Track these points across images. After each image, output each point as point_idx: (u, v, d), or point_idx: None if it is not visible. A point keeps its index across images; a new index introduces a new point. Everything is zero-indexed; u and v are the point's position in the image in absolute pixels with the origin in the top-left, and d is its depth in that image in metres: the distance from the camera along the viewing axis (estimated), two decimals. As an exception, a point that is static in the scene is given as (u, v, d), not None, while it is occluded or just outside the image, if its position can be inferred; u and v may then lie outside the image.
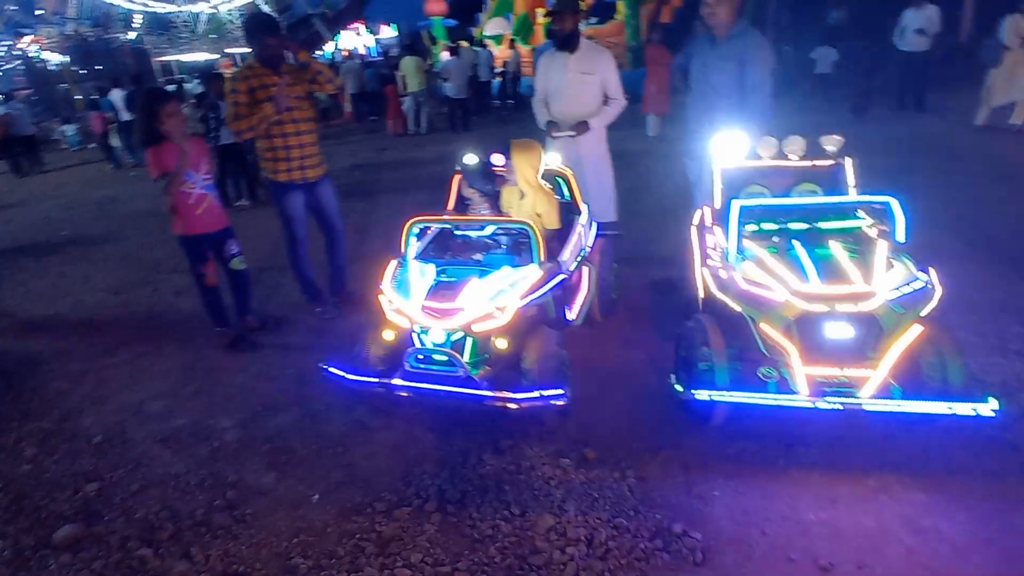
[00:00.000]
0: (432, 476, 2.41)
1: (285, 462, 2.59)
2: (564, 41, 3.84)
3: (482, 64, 13.18)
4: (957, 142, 7.41)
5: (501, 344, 2.52)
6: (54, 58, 22.57)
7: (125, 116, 13.31)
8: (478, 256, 2.92)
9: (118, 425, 2.98)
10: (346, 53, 23.36)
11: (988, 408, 2.06)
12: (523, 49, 14.75)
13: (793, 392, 2.17)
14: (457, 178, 3.28)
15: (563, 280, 2.75)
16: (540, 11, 17.33)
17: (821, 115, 9.86)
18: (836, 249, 2.34)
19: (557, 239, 3.06)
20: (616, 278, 3.61)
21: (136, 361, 3.64)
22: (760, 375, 2.25)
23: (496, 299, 2.50)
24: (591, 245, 3.33)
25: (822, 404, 2.12)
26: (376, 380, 2.49)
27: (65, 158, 14.18)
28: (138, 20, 27.03)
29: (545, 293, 2.63)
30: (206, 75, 8.43)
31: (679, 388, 2.34)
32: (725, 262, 2.41)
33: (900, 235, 2.35)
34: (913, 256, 2.34)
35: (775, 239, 2.48)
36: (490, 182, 3.15)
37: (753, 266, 2.30)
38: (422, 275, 2.70)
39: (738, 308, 2.28)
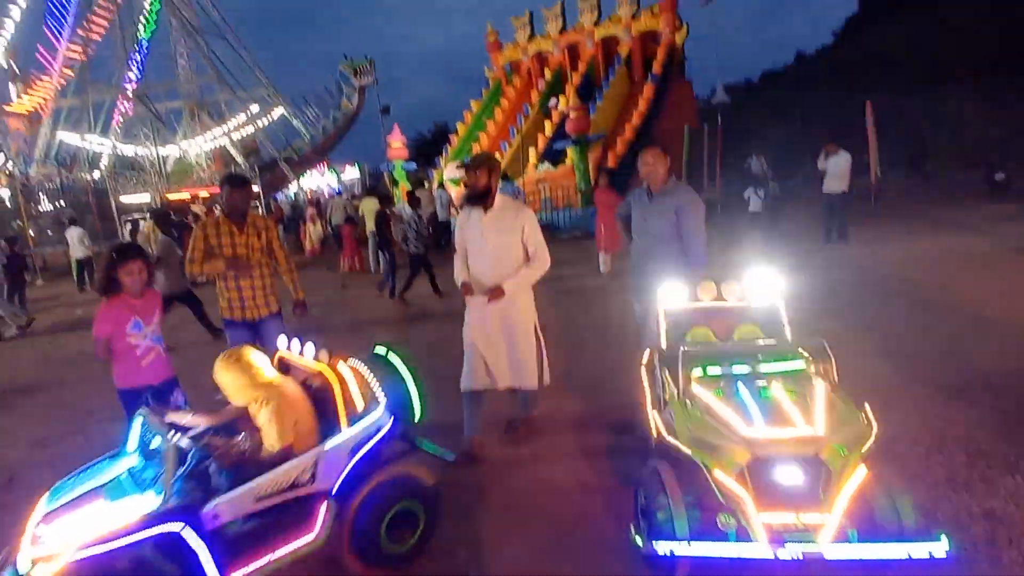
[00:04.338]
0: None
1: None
2: (477, 198, 3.57)
3: (441, 205, 13.90)
4: (881, 272, 8.01)
5: None
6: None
7: (79, 254, 13.32)
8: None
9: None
10: (324, 195, 24.49)
11: (941, 548, 2.07)
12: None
13: (753, 541, 2.14)
14: None
15: (171, 534, 2.12)
16: (496, 155, 18.69)
17: (753, 251, 10.58)
18: (778, 391, 2.42)
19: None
20: (415, 525, 2.67)
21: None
22: (720, 524, 2.21)
23: (68, 537, 2.07)
24: (344, 479, 2.53)
25: (782, 553, 2.08)
26: None
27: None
28: (104, 161, 27.83)
29: (127, 541, 2.05)
30: (411, 195, 9.97)
31: (639, 541, 2.27)
32: (675, 406, 2.46)
33: (836, 375, 2.47)
34: (850, 392, 2.44)
35: (721, 382, 2.57)
36: None
37: (701, 411, 2.36)
38: (82, 486, 2.35)
39: (690, 453, 2.30)
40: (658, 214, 3.60)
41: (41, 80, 26.47)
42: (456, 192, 14.47)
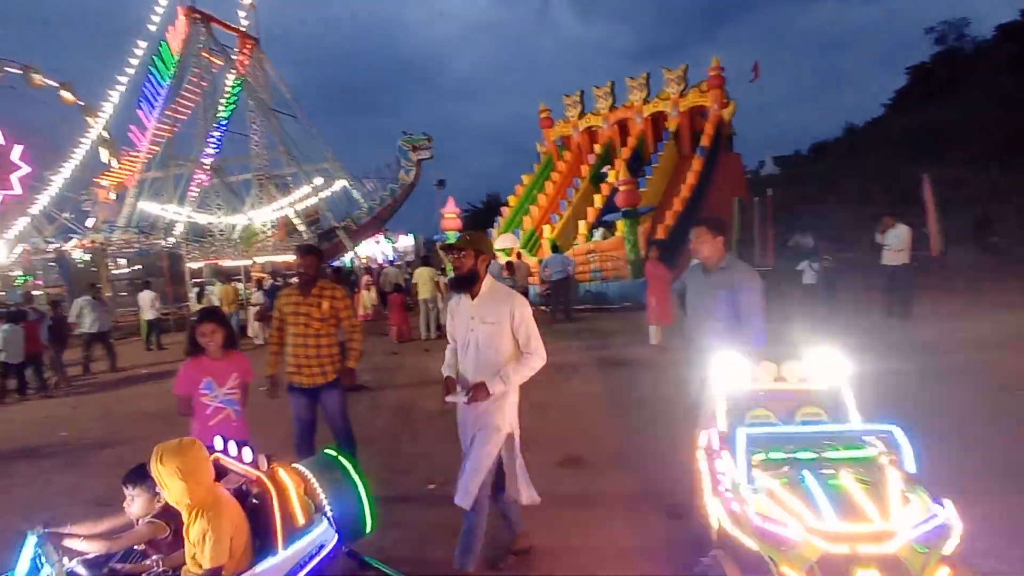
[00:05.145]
0: None
1: None
2: (461, 283, 3.20)
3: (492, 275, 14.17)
4: (949, 349, 7.60)
5: None
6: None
7: (149, 315, 14.10)
8: None
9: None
10: (378, 262, 25.46)
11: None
12: (530, 260, 15.93)
13: (827, 648, 1.98)
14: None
15: None
16: (546, 227, 19.08)
17: (811, 325, 10.24)
18: (848, 480, 2.30)
19: None
20: None
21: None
22: (788, 626, 2.06)
23: None
24: None
25: (861, 664, 1.92)
26: None
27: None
28: (179, 228, 29.79)
29: None
30: (508, 263, 10.72)
31: (702, 641, 2.14)
32: (736, 494, 2.36)
33: (910, 465, 2.33)
34: (925, 483, 2.29)
35: (784, 468, 2.46)
36: (146, 488, 2.46)
37: (766, 499, 2.25)
38: None
39: (755, 546, 2.18)
40: (714, 291, 3.57)
41: (130, 155, 28.99)
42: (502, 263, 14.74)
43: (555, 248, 14.64)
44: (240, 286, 15.59)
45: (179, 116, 29.60)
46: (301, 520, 2.30)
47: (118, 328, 17.85)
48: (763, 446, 2.54)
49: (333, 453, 2.66)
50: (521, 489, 3.17)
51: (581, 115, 23.33)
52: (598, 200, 18.68)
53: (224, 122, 32.19)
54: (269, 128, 32.41)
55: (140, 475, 2.44)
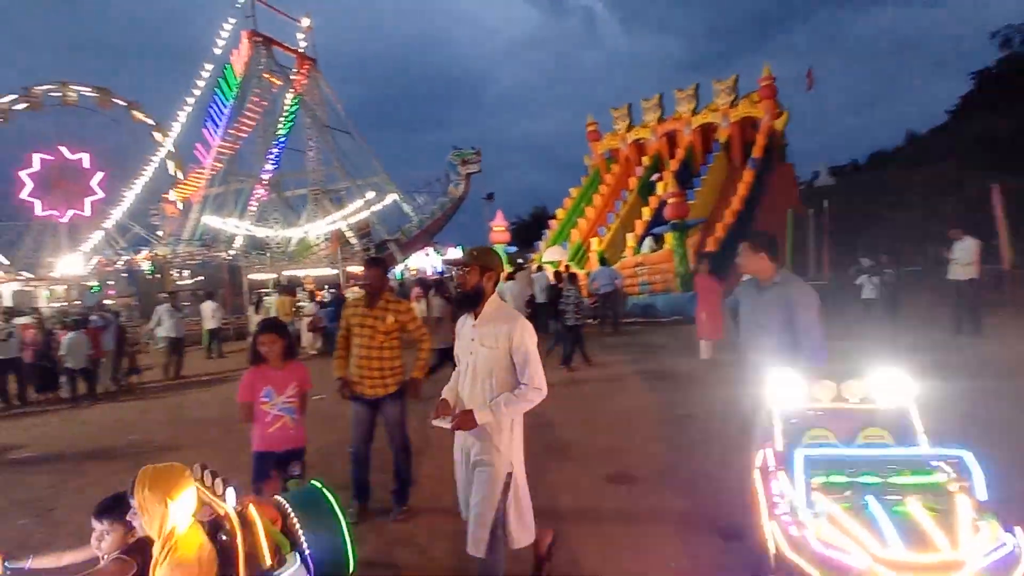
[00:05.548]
0: None
1: None
2: (466, 301, 2.98)
3: (540, 288, 14.19)
4: (1020, 368, 7.18)
5: None
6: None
7: (210, 325, 14.76)
8: None
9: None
10: (427, 274, 26.10)
11: None
12: (578, 273, 15.88)
13: None
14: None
15: None
16: (594, 240, 19.01)
17: (872, 342, 9.85)
18: (915, 507, 2.21)
19: None
20: None
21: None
22: (851, 657, 2.00)
23: None
24: None
25: None
26: None
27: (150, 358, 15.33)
28: (239, 241, 31.13)
29: None
30: (572, 274, 11.40)
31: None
32: (795, 517, 2.30)
33: (981, 492, 2.23)
34: (997, 511, 2.18)
35: (846, 493, 2.38)
36: (117, 520, 2.22)
37: (827, 524, 2.19)
38: None
39: (816, 573, 2.12)
40: (768, 307, 3.48)
41: (196, 171, 30.59)
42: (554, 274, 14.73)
43: (603, 261, 14.59)
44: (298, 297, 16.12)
45: (241, 134, 31.09)
46: (268, 561, 2.07)
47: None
48: (823, 468, 2.46)
49: (319, 486, 2.44)
50: (513, 534, 2.88)
51: (629, 128, 23.22)
52: (646, 212, 18.52)
53: (282, 139, 33.65)
54: (324, 144, 33.64)
55: (115, 509, 2.22)
